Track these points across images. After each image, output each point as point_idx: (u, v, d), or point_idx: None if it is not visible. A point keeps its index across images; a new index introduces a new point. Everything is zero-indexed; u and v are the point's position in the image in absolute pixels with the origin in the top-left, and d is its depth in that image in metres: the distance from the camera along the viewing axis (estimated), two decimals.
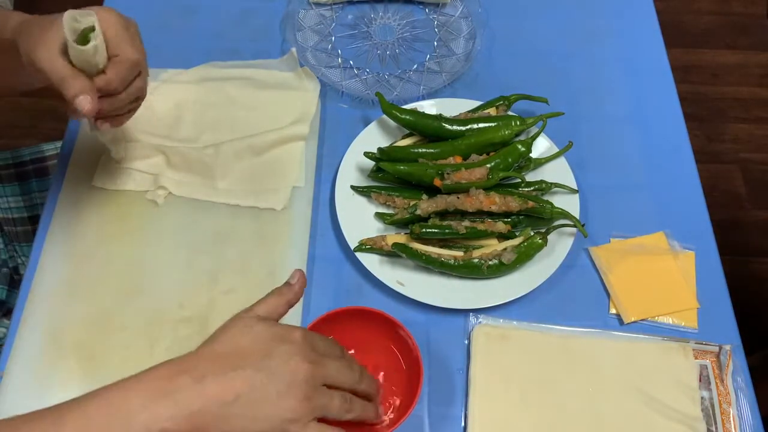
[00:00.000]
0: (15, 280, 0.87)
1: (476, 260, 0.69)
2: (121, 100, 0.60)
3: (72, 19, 0.53)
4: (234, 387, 0.47)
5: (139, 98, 0.63)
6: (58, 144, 0.95)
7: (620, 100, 0.87)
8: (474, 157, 0.75)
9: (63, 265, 0.71)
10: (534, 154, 0.78)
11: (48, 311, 0.68)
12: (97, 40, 0.54)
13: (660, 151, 0.83)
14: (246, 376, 0.47)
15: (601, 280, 0.73)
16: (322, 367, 0.50)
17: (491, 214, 0.72)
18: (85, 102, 0.55)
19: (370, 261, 0.71)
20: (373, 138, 0.79)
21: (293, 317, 0.68)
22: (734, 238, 1.66)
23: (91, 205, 0.75)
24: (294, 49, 0.85)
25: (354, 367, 0.54)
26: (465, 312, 0.70)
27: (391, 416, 0.62)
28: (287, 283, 0.55)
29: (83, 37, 0.54)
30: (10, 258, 0.90)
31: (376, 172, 0.76)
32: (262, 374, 0.47)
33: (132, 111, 0.64)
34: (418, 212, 0.71)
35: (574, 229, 0.73)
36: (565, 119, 0.80)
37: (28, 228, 0.93)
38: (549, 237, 0.71)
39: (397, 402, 0.63)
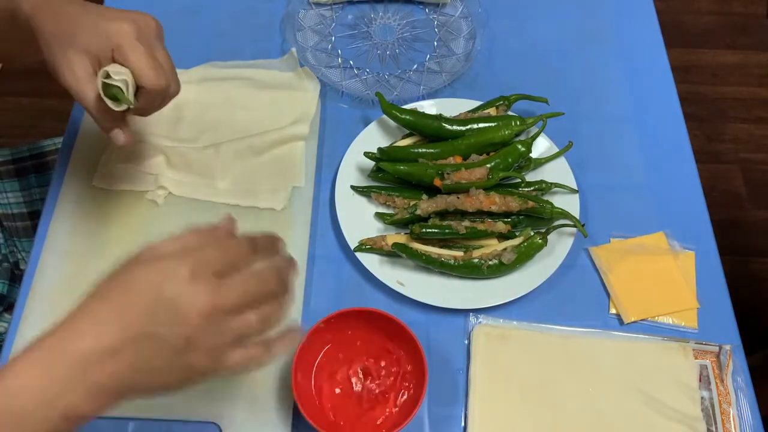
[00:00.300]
0: (16, 275, 0.88)
1: (476, 260, 0.69)
2: (157, 112, 0.61)
3: (104, 74, 0.55)
4: (125, 357, 0.42)
5: None
6: (57, 140, 0.95)
7: (620, 100, 0.87)
8: (474, 157, 0.75)
9: (63, 264, 0.71)
10: (534, 154, 0.78)
11: (49, 311, 0.68)
12: (130, 101, 0.55)
13: (660, 151, 0.83)
14: (136, 348, 0.43)
15: (601, 280, 0.73)
16: (223, 299, 0.45)
17: (491, 214, 0.72)
18: (119, 136, 0.58)
19: (370, 261, 0.71)
20: (373, 138, 0.79)
21: (293, 317, 0.68)
22: (734, 238, 1.66)
23: (91, 205, 0.75)
24: (294, 49, 0.85)
25: (262, 275, 0.48)
26: (465, 312, 0.70)
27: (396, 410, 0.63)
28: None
29: (112, 94, 0.55)
30: (11, 253, 0.90)
31: (376, 172, 0.76)
32: (150, 340, 0.43)
33: None
34: (418, 212, 0.71)
35: (574, 229, 0.73)
36: (565, 119, 0.80)
37: (27, 223, 0.93)
38: (549, 237, 0.71)
39: (400, 403, 0.63)
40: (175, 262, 0.45)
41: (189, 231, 0.49)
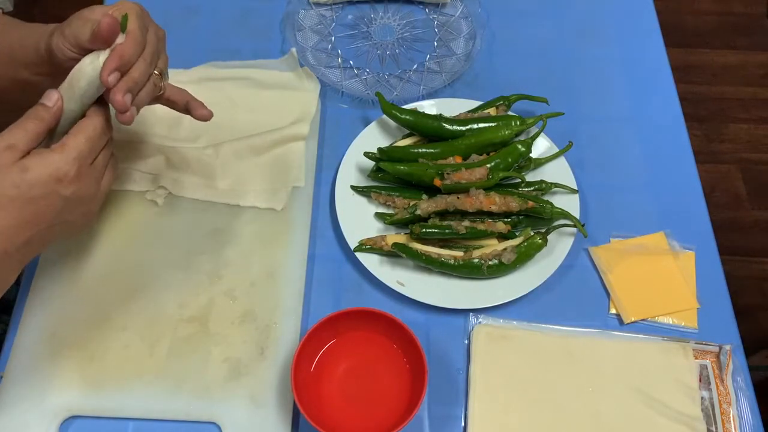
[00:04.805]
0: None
1: (476, 260, 0.69)
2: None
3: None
4: (20, 234, 0.53)
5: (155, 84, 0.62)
6: None
7: (620, 100, 0.87)
8: (474, 157, 0.75)
9: (63, 264, 0.71)
10: (534, 154, 0.78)
11: (48, 311, 0.68)
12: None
13: (660, 151, 0.83)
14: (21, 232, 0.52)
15: (601, 280, 0.73)
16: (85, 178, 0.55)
17: (491, 214, 0.72)
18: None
19: (370, 261, 0.71)
20: (373, 138, 0.79)
21: (293, 317, 0.69)
22: (734, 238, 1.66)
23: None
24: (294, 49, 0.85)
25: (95, 148, 0.56)
26: (465, 312, 0.70)
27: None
28: (42, 105, 0.55)
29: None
30: None
31: (376, 172, 0.77)
32: (31, 225, 0.53)
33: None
34: (418, 212, 0.71)
35: (574, 229, 0.73)
36: (565, 119, 0.80)
37: None
38: (549, 237, 0.71)
39: (400, 403, 0.63)
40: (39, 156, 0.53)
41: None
